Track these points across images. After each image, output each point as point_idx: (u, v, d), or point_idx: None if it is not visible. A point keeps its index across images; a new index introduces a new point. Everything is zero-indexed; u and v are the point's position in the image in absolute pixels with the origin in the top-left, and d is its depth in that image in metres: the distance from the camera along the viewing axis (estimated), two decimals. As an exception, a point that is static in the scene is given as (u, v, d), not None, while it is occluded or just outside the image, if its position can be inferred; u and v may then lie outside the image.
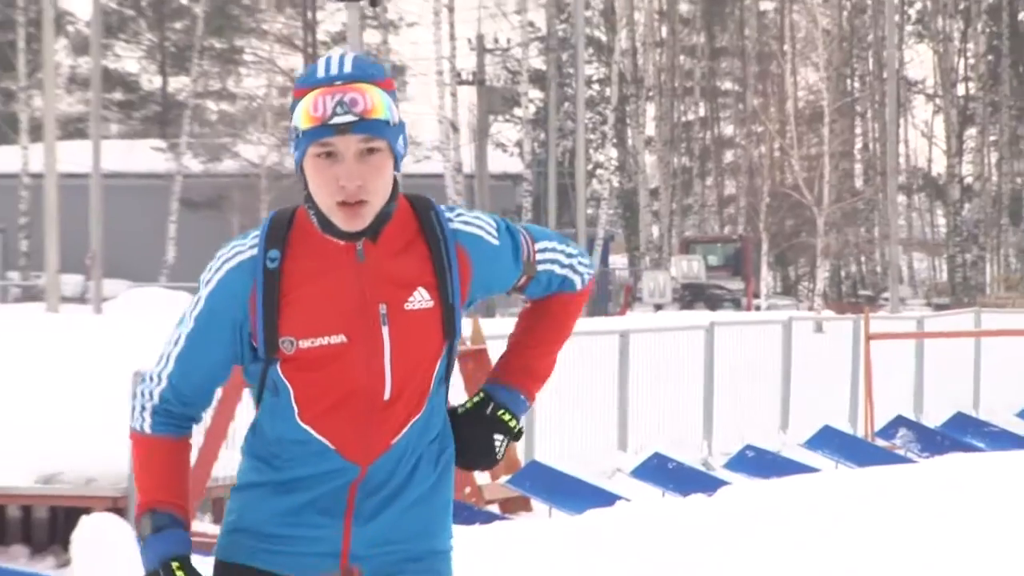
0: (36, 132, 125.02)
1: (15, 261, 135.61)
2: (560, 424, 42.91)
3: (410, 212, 6.07)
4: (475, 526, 29.96)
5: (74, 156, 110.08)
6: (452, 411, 6.11)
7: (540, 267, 6.37)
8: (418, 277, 5.88)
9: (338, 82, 5.70)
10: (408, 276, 5.87)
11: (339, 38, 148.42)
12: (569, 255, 6.53)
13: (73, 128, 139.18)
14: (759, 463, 39.95)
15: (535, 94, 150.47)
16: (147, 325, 63.59)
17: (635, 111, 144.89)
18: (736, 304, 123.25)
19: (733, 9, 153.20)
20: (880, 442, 45.29)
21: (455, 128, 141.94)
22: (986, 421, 49.87)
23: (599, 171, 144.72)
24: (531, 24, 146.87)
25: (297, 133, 5.77)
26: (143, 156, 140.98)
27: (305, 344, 5.70)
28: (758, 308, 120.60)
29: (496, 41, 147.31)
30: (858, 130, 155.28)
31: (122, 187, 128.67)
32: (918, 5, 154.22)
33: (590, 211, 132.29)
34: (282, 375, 5.77)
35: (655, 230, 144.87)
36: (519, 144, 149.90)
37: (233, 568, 5.90)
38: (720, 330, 47.43)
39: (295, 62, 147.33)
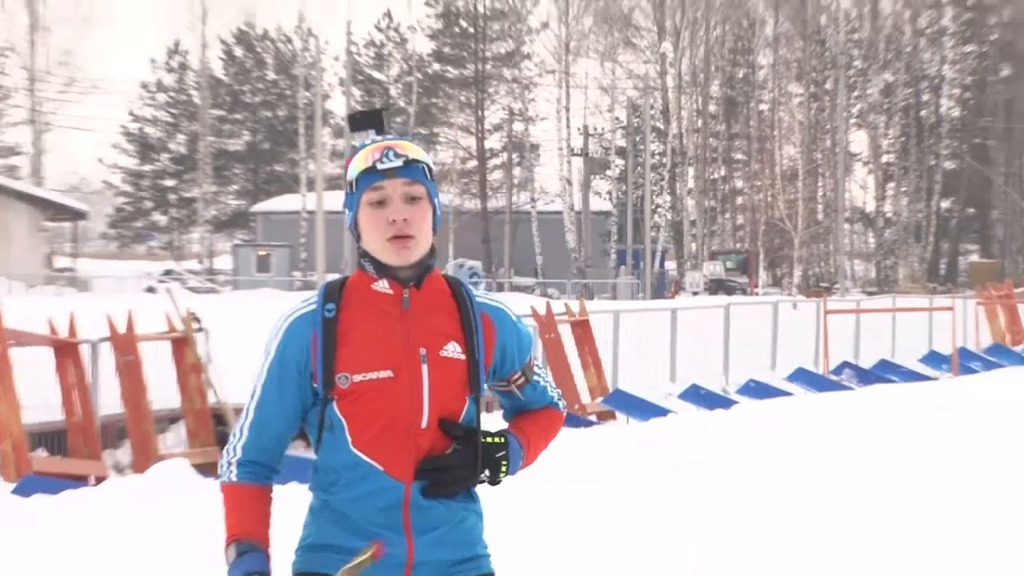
0: (310, 185, 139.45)
1: (297, 265, 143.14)
2: (635, 365, 48.30)
3: (443, 281, 6.25)
4: (580, 429, 34.79)
5: (334, 201, 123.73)
6: (474, 431, 6.06)
7: (535, 376, 6.50)
8: (451, 332, 6.05)
9: (382, 141, 5.98)
10: (443, 328, 6.04)
11: (498, 127, 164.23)
12: (554, 386, 6.73)
13: (333, 183, 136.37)
14: (758, 390, 45.70)
15: (619, 162, 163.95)
16: None
17: (682, 172, 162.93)
18: (743, 292, 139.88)
19: (743, 108, 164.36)
20: (833, 377, 52.54)
21: (569, 183, 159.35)
22: (899, 364, 56.98)
23: (659, 210, 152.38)
24: (617, 118, 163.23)
25: (351, 189, 6.08)
26: None
27: (358, 378, 5.84)
28: (757, 294, 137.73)
29: (596, 129, 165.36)
30: (820, 184, 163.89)
31: None
32: (858, 106, 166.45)
33: (652, 234, 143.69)
34: (338, 411, 5.88)
35: (693, 246, 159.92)
36: (609, 193, 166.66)
37: None
38: (734, 308, 54.33)
39: (470, 141, 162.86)
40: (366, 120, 6.27)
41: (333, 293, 5.83)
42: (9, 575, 16.05)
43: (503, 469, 5.85)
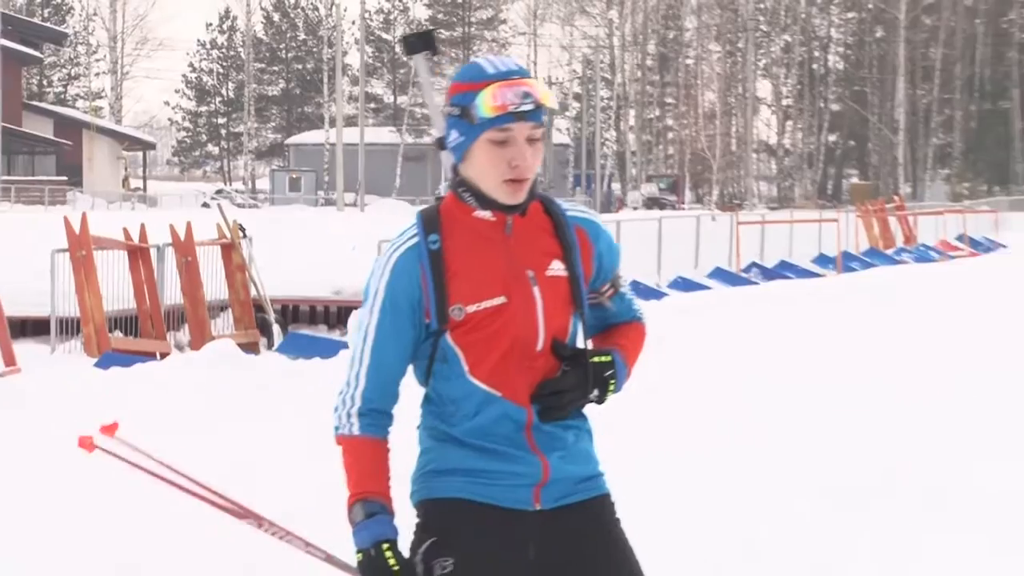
0: (332, 123, 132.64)
1: (321, 186, 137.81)
2: None
3: (536, 200, 5.21)
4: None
5: (351, 135, 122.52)
6: (583, 352, 5.16)
7: (623, 288, 5.50)
8: (553, 250, 5.12)
9: (515, 76, 4.93)
10: (545, 248, 5.11)
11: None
12: (636, 299, 5.68)
13: (350, 121, 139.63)
14: (684, 285, 45.54)
15: (575, 105, 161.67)
16: (385, 216, 77.68)
17: (624, 113, 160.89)
18: (673, 207, 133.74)
19: (673, 63, 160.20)
20: (743, 275, 52.06)
21: None
22: (795, 264, 56.35)
23: (607, 143, 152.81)
24: (574, 71, 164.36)
25: (471, 119, 4.95)
26: (386, 134, 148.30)
27: (472, 308, 4.98)
28: (683, 209, 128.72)
29: (557, 79, 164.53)
30: (733, 122, 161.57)
31: (373, 150, 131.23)
32: (764, 60, 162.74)
33: (601, 162, 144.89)
34: (452, 343, 5.04)
35: (633, 171, 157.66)
36: (568, 129, 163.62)
37: (447, 502, 5.12)
38: (665, 221, 52.05)
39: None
40: (421, 42, 5.79)
41: (432, 223, 5.08)
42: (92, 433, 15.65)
43: (611, 388, 5.18)
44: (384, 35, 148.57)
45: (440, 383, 5.13)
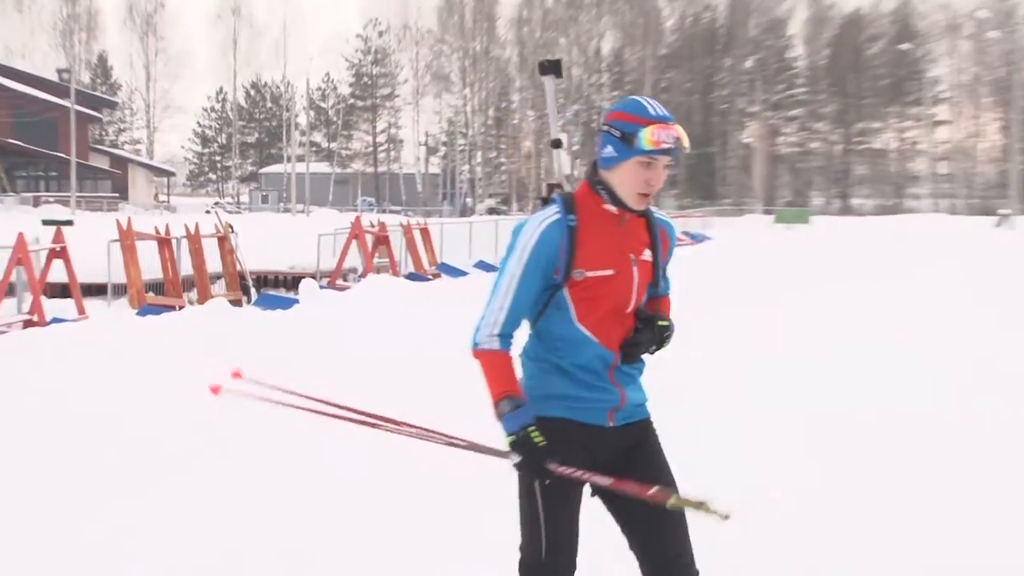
0: (288, 159, 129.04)
1: (282, 199, 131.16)
2: (452, 250, 42.96)
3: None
4: (423, 282, 31.98)
5: (301, 167, 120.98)
6: (654, 316, 4.92)
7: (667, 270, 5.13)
8: (645, 241, 4.87)
9: (669, 121, 4.68)
10: (642, 239, 4.86)
11: (383, 131, 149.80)
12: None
13: (300, 159, 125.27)
14: (487, 266, 38.29)
15: (444, 148, 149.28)
16: (321, 218, 79.92)
17: (474, 153, 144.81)
18: (505, 214, 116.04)
19: (506, 122, 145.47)
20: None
21: (419, 158, 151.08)
22: None
23: (463, 172, 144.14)
24: (443, 127, 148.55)
25: (631, 145, 4.66)
26: (323, 167, 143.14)
27: (590, 274, 4.70)
28: (511, 215, 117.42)
29: (433, 133, 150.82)
30: (543, 161, 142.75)
31: (315, 177, 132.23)
32: (561, 121, 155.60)
33: (460, 185, 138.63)
34: (567, 296, 4.73)
35: (479, 191, 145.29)
36: (438, 163, 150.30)
37: (552, 420, 4.80)
38: (500, 221, 50.39)
39: (368, 139, 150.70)
40: (552, 67, 5.59)
41: (570, 206, 4.83)
42: (136, 361, 15.65)
43: (665, 344, 5.03)
44: (321, 104, 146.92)
45: (551, 324, 4.88)
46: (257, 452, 10.39)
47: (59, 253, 26.45)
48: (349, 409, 5.17)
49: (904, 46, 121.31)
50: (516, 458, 4.68)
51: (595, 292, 4.77)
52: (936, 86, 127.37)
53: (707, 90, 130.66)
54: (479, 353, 4.86)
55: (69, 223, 44.75)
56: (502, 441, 4.74)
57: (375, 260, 35.17)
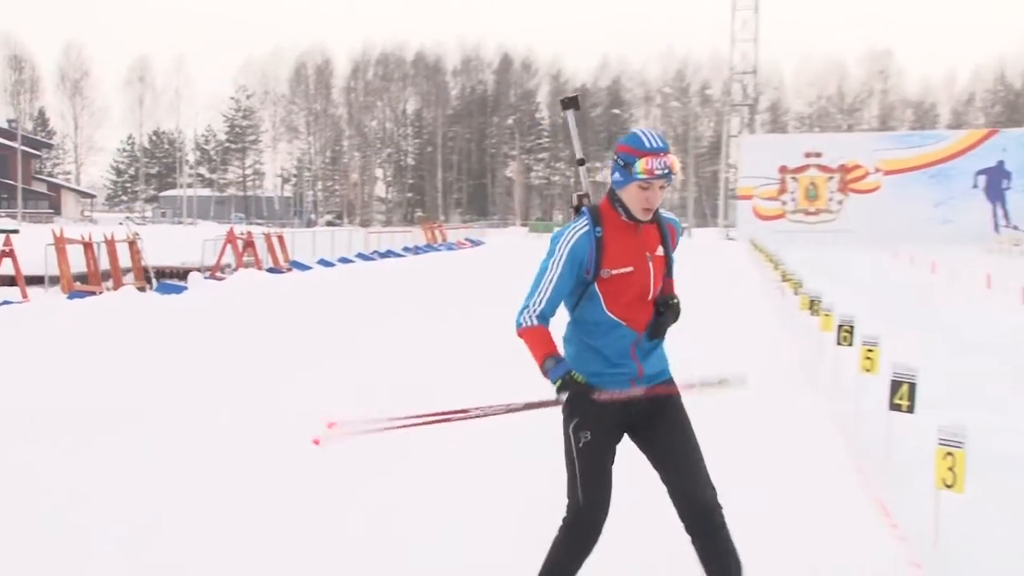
0: (181, 186, 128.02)
1: (177, 215, 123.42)
2: (301, 249, 41.27)
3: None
4: (285, 274, 32.99)
5: (191, 192, 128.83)
6: (669, 300, 4.58)
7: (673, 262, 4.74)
8: (658, 240, 4.55)
9: (661, 153, 4.41)
10: (655, 240, 4.54)
11: (251, 164, 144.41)
12: None
13: (189, 185, 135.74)
14: (343, 259, 37.97)
15: (295, 177, 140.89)
16: (207, 228, 77.43)
17: (316, 183, 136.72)
18: (339, 225, 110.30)
19: (339, 160, 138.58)
20: (363, 257, 42.48)
21: (282, 183, 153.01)
22: (394, 250, 46.40)
23: (309, 196, 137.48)
24: (294, 164, 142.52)
25: (630, 172, 4.43)
26: (207, 191, 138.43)
27: (615, 272, 4.44)
28: (342, 225, 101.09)
29: (285, 167, 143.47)
30: (366, 188, 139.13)
31: (201, 198, 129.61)
32: (378, 159, 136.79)
33: (309, 204, 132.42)
34: (597, 289, 4.46)
35: (321, 209, 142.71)
36: (291, 188, 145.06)
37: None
38: (336, 232, 43.91)
39: (239, 172, 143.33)
40: (571, 103, 5.26)
41: (596, 219, 4.56)
42: (67, 332, 15.14)
43: (676, 321, 4.67)
44: (204, 147, 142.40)
45: (586, 312, 4.58)
46: (176, 412, 9.86)
47: (8, 253, 26.59)
48: (425, 415, 4.70)
49: (615, 111, 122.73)
50: (565, 395, 4.41)
51: (620, 286, 4.52)
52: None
53: (481, 139, 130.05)
54: (522, 332, 4.58)
55: (16, 232, 43.09)
56: (551, 391, 4.45)
57: (244, 258, 35.06)
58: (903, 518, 6.24)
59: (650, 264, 4.55)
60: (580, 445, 4.50)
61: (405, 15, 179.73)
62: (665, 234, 4.64)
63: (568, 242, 4.53)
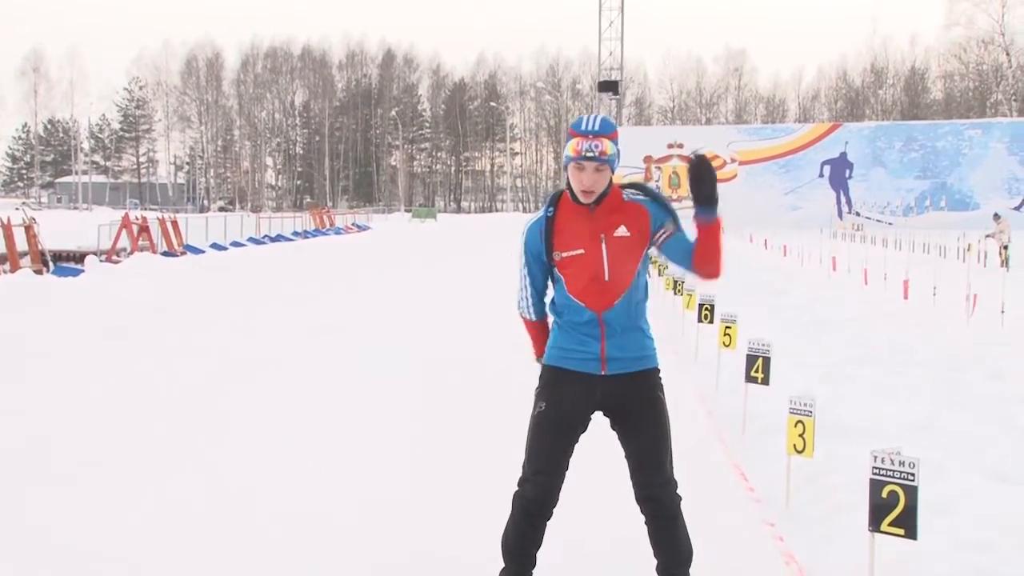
0: (76, 173, 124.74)
1: (73, 200, 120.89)
2: (219, 231, 40.80)
3: (618, 190, 4.32)
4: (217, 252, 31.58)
5: (86, 179, 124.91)
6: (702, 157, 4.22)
7: (677, 232, 4.37)
8: (620, 220, 4.23)
9: (591, 135, 4.14)
10: (617, 220, 4.22)
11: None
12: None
13: (85, 172, 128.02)
14: (219, 246, 36.66)
15: (199, 165, 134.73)
16: (102, 213, 74.24)
17: (209, 171, 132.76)
18: (231, 211, 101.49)
19: (230, 150, 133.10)
20: (255, 241, 41.48)
21: None
22: (284, 235, 45.04)
23: (204, 183, 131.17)
24: (190, 149, 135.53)
25: (567, 156, 4.18)
26: (102, 178, 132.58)
27: (566, 255, 4.25)
28: (233, 211, 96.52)
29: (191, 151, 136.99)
30: (257, 177, 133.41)
31: (96, 184, 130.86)
32: (269, 148, 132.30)
33: (202, 191, 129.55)
34: (558, 272, 4.31)
35: (214, 195, 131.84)
36: (186, 175, 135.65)
37: (553, 369, 4.33)
38: (227, 217, 45.61)
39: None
40: (608, 86, 4.92)
41: (554, 200, 4.37)
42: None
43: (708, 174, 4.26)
44: (99, 135, 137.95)
45: (556, 293, 4.40)
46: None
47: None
48: None
49: (492, 103, 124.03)
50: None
51: (574, 268, 4.29)
52: (513, 130, 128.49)
53: (366, 130, 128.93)
54: (522, 317, 4.55)
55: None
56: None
57: (139, 242, 34.14)
58: (758, 482, 6.37)
59: (603, 246, 4.28)
60: (535, 412, 4.36)
61: (291, 11, 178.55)
62: (629, 214, 4.33)
63: (522, 235, 4.41)
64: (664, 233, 4.31)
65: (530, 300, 4.46)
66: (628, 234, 4.29)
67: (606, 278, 4.27)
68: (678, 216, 4.36)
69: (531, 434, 4.34)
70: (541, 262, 4.37)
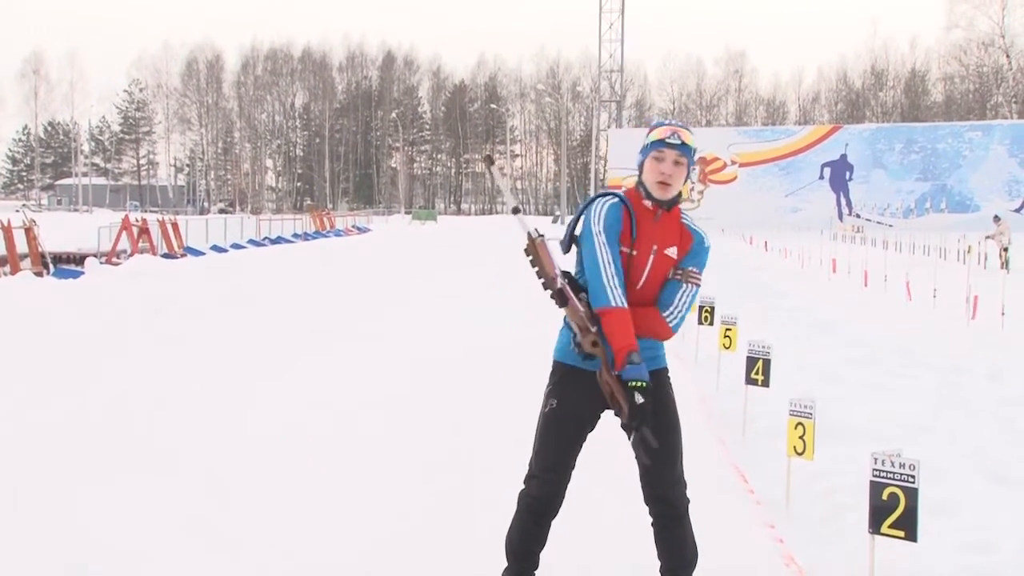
0: (77, 175, 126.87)
1: (73, 202, 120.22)
2: (200, 235, 40.80)
3: (679, 212, 4.23)
4: (184, 260, 31.71)
5: (87, 181, 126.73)
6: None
7: (681, 280, 4.22)
8: (674, 240, 4.15)
9: (674, 125, 4.11)
10: (672, 239, 4.16)
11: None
12: (685, 307, 4.32)
13: (85, 175, 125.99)
14: (219, 248, 36.98)
15: (198, 166, 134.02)
16: (102, 216, 75.04)
17: (209, 173, 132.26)
18: (232, 213, 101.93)
19: (230, 152, 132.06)
20: (253, 244, 41.54)
21: None
22: (284, 237, 45.23)
23: (204, 186, 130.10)
24: (191, 152, 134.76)
25: (647, 144, 4.18)
26: (102, 180, 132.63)
27: (623, 248, 4.04)
28: (233, 213, 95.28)
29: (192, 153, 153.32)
30: (258, 178, 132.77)
31: (96, 187, 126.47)
32: (268, 149, 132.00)
33: (202, 193, 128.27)
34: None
35: (215, 197, 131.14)
36: (186, 177, 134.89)
37: (566, 367, 4.16)
38: (227, 219, 42.84)
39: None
40: (488, 160, 4.79)
41: (624, 198, 4.18)
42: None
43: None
44: (99, 137, 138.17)
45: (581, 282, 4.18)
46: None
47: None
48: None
49: (493, 105, 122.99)
50: (640, 399, 3.89)
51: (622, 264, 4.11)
52: (514, 132, 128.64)
53: (366, 132, 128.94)
54: (603, 309, 4.04)
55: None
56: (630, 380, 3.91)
57: (139, 244, 34.17)
58: (759, 483, 6.37)
59: (651, 257, 4.18)
60: (545, 410, 4.25)
61: (291, 13, 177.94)
62: (685, 241, 4.25)
63: (596, 213, 4.15)
64: (682, 272, 4.23)
65: (616, 283, 4.06)
66: (674, 256, 4.22)
67: (639, 286, 4.17)
68: (703, 269, 4.30)
69: (540, 431, 4.26)
70: (617, 243, 4.15)
